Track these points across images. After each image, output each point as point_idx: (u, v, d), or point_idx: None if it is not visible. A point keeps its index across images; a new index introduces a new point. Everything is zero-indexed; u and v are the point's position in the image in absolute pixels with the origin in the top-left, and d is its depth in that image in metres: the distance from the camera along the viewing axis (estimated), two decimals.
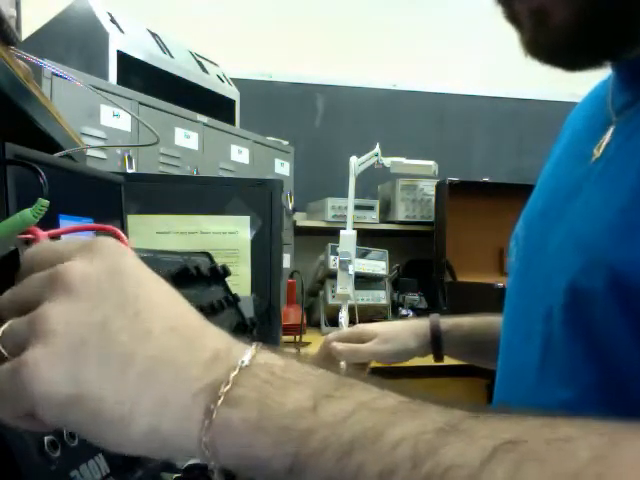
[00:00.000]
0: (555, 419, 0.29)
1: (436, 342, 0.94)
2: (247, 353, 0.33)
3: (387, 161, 2.24)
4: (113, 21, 1.94)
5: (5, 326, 0.32)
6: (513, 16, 0.53)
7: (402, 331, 0.97)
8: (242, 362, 0.32)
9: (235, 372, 0.32)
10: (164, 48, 2.14)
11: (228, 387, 0.31)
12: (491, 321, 0.89)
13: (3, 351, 0.31)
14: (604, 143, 0.54)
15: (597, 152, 0.54)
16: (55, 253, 0.34)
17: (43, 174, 0.62)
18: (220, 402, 0.31)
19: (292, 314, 2.13)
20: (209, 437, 0.31)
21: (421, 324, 0.96)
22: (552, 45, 0.51)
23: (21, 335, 0.31)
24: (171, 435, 0.31)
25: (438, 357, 0.94)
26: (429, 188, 2.74)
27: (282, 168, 2.53)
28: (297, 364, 0.34)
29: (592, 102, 0.64)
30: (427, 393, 0.33)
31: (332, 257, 2.32)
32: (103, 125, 1.79)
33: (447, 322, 0.95)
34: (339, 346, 0.96)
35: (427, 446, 0.29)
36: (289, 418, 0.31)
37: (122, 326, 0.31)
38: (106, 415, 0.30)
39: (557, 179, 0.62)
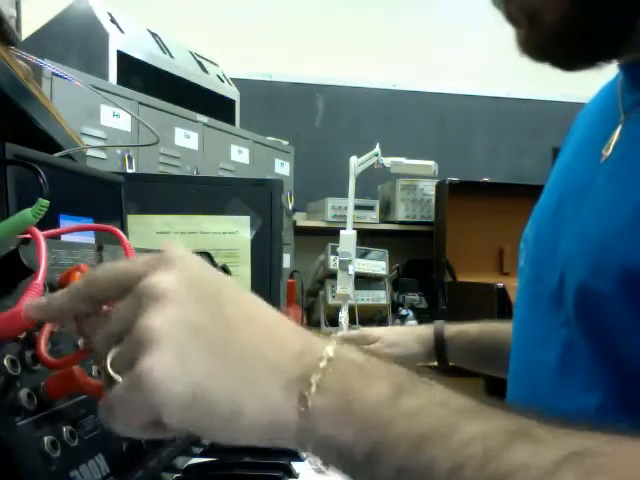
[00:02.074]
0: (624, 437, 0.31)
1: (440, 349, 0.94)
2: (330, 346, 0.35)
3: (387, 161, 2.24)
4: (113, 21, 1.94)
5: (112, 352, 0.34)
6: (509, 16, 0.54)
7: (406, 336, 0.97)
8: (328, 354, 0.34)
9: (323, 363, 0.34)
10: (164, 48, 2.14)
11: (319, 376, 0.34)
12: (497, 329, 0.89)
13: (116, 376, 0.34)
14: (612, 143, 0.54)
15: (606, 152, 0.54)
16: (127, 275, 0.36)
17: (43, 174, 0.62)
18: (313, 390, 0.33)
19: (292, 314, 2.13)
20: (304, 423, 0.33)
21: (425, 330, 0.96)
22: (545, 44, 0.52)
23: (128, 355, 0.33)
24: (272, 423, 0.34)
25: (443, 363, 0.94)
26: (429, 188, 2.74)
27: (282, 168, 2.53)
28: (373, 359, 0.36)
29: (601, 102, 0.63)
30: (492, 398, 0.34)
31: (332, 257, 2.32)
32: (103, 125, 1.79)
33: (452, 329, 0.95)
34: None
35: (497, 447, 0.30)
36: (372, 409, 0.33)
37: (214, 324, 0.34)
38: (219, 411, 0.33)
39: (567, 180, 0.61)
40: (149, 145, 1.38)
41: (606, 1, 0.48)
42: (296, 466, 0.60)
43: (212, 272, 0.37)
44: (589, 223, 0.52)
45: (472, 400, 0.34)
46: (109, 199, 0.97)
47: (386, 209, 2.81)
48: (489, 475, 0.30)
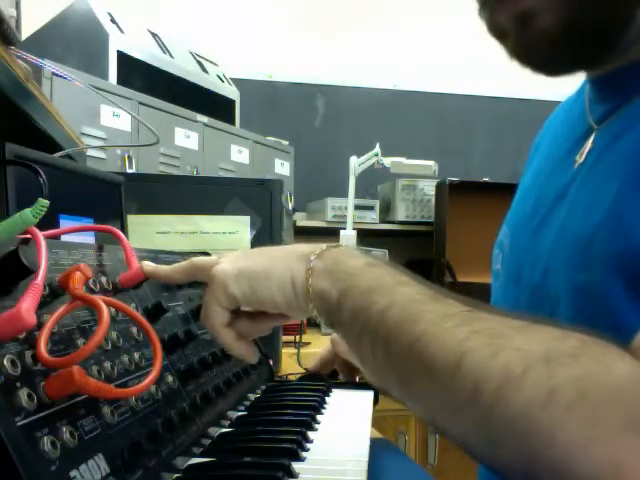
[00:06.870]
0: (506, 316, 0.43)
1: None
2: (330, 246, 0.54)
3: (387, 161, 2.24)
4: (113, 21, 1.94)
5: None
6: (495, 27, 0.56)
7: None
8: (330, 245, 0.54)
9: (324, 247, 0.53)
10: (164, 48, 2.14)
11: (320, 251, 0.53)
12: None
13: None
14: (586, 150, 0.59)
15: (580, 158, 0.59)
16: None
17: (43, 174, 0.62)
18: (314, 257, 0.52)
19: None
20: (309, 279, 0.51)
21: None
22: (536, 48, 0.53)
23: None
24: (292, 279, 0.52)
25: None
26: (429, 188, 2.73)
27: (282, 168, 2.53)
28: (366, 253, 0.53)
29: (567, 114, 0.69)
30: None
31: None
32: (103, 125, 1.79)
33: None
34: (343, 346, 0.96)
35: (418, 300, 0.45)
36: (346, 271, 0.50)
37: (256, 254, 0.57)
38: (257, 274, 0.53)
39: (541, 186, 0.66)
40: (149, 145, 1.38)
41: (605, 3, 0.50)
42: (296, 466, 0.60)
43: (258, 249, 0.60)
44: (567, 222, 0.57)
45: (420, 282, 0.48)
46: (109, 199, 0.97)
47: (386, 209, 2.81)
48: (408, 313, 0.43)
